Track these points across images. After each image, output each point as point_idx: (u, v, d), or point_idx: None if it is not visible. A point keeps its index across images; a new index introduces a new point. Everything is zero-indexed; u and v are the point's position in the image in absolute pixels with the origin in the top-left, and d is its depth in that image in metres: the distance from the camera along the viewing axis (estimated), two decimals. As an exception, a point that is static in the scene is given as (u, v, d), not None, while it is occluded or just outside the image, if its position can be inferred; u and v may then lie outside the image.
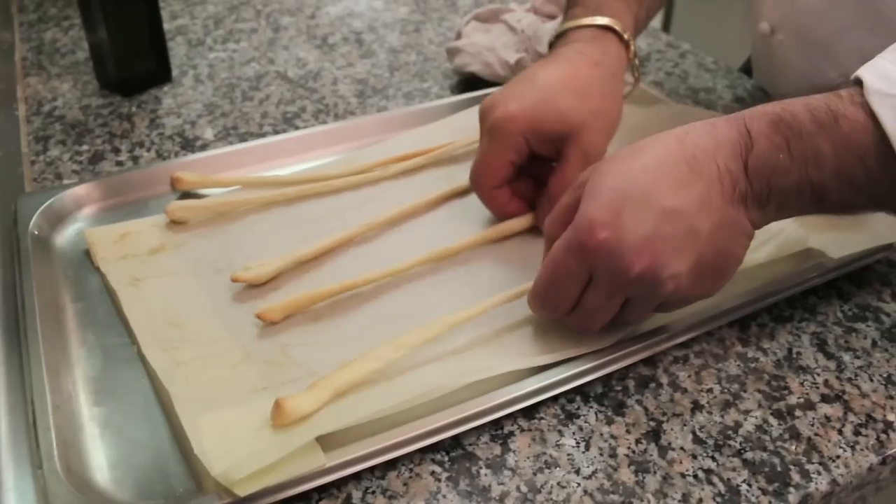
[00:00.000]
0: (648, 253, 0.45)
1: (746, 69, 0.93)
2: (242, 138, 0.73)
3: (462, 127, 0.70)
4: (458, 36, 0.83)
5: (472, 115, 0.69)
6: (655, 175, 0.46)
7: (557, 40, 0.64)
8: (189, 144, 0.72)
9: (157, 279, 0.56)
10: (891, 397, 0.51)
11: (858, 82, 0.46)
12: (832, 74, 0.73)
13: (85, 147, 0.72)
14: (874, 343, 0.55)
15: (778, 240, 0.58)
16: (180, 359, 0.49)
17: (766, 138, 0.46)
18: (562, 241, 0.47)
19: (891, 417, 0.49)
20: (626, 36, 0.63)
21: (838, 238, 0.59)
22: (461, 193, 0.65)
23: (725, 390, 0.50)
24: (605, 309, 0.48)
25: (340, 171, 0.65)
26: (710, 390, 0.50)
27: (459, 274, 0.58)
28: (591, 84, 0.59)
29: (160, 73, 0.83)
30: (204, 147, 0.72)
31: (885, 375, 0.52)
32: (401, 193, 0.64)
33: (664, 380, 0.51)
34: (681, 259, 0.45)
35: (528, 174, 0.61)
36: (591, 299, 0.48)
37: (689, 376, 0.51)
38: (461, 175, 0.64)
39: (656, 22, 2.89)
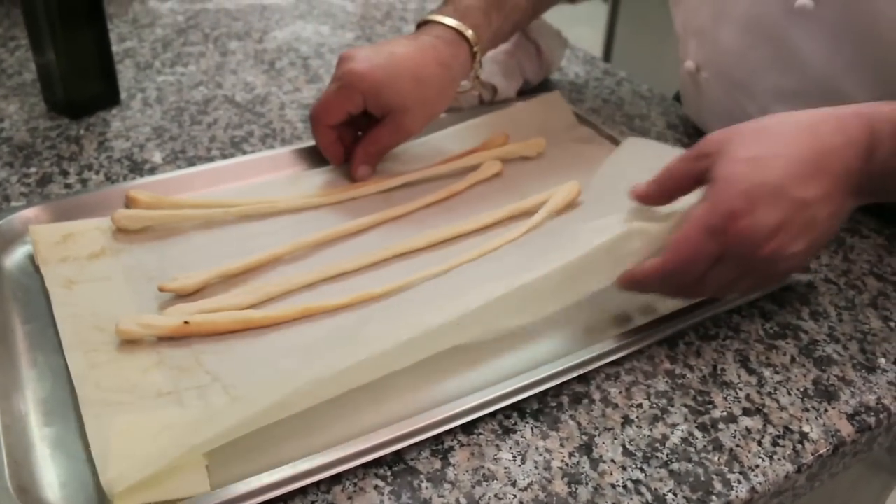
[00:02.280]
0: (778, 238, 0.51)
1: (679, 97, 0.97)
2: (191, 162, 0.75)
3: (413, 158, 0.74)
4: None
5: (420, 150, 0.75)
6: (788, 168, 0.52)
7: (424, 24, 0.74)
8: (138, 168, 0.74)
9: (92, 283, 0.58)
10: (807, 410, 0.54)
11: None
12: (752, 111, 0.77)
13: (33, 169, 0.72)
14: (793, 359, 0.58)
15: None
16: (96, 361, 0.51)
17: (889, 144, 0.54)
18: (700, 224, 0.52)
19: (806, 429, 0.53)
20: (475, 49, 0.73)
21: None
22: (396, 218, 0.68)
23: (654, 405, 0.53)
24: (723, 284, 0.55)
25: (288, 196, 0.67)
26: (639, 405, 0.53)
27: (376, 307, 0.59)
28: (433, 78, 0.70)
29: (108, 95, 0.84)
30: (152, 170, 0.73)
31: (801, 389, 0.56)
32: (337, 218, 0.67)
33: (597, 396, 0.53)
34: (800, 242, 0.52)
35: (354, 126, 0.72)
36: (715, 275, 0.54)
37: (620, 392, 0.54)
38: (396, 199, 0.69)
39: (597, 50, 2.97)
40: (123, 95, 0.86)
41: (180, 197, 0.67)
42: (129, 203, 0.65)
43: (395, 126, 0.70)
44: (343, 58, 0.69)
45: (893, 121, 0.54)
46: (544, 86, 0.91)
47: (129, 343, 0.53)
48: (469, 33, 0.72)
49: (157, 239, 0.63)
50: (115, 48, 0.95)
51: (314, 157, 0.74)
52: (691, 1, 0.80)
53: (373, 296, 0.58)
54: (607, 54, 2.98)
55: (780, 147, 0.53)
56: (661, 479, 0.48)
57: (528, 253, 0.61)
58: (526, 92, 0.87)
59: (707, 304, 0.60)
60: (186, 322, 0.53)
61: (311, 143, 0.74)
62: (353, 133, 0.72)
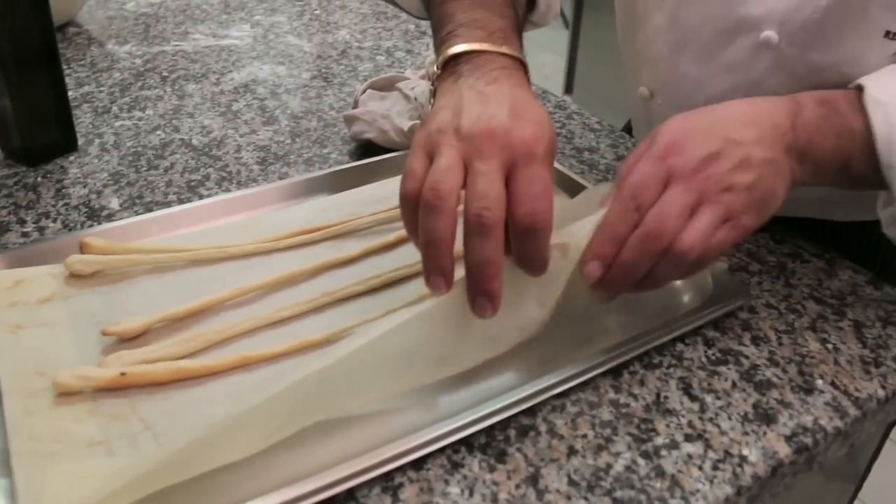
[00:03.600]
0: (716, 164, 0.56)
1: (628, 128, 1.00)
2: (148, 207, 0.76)
3: (357, 202, 0.75)
4: (356, 104, 0.87)
5: (362, 193, 0.76)
6: (721, 116, 0.60)
7: (463, 57, 0.60)
8: (95, 214, 0.75)
9: (38, 328, 0.59)
10: (746, 433, 0.56)
11: (860, 88, 0.61)
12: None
13: (-10, 219, 0.73)
14: (734, 384, 0.60)
15: None
16: (33, 408, 0.52)
17: (812, 109, 0.61)
18: (642, 161, 0.57)
19: (746, 452, 0.55)
20: (528, 74, 0.62)
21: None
22: (344, 263, 0.68)
23: (598, 435, 0.55)
24: (680, 214, 0.55)
25: (239, 242, 0.68)
26: (584, 436, 0.55)
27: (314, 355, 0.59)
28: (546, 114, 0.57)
29: (66, 142, 0.85)
30: (110, 217, 0.75)
31: (742, 414, 0.58)
32: (285, 263, 0.67)
33: (543, 428, 0.55)
34: (738, 174, 0.57)
35: None
36: (669, 198, 0.55)
37: (565, 424, 0.56)
38: (347, 246, 0.69)
39: (560, 76, 3.01)
40: (81, 141, 0.87)
41: (134, 243, 0.68)
42: (84, 249, 0.66)
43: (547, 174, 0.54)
44: (494, 132, 0.52)
45: (815, 94, 0.62)
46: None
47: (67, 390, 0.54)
48: (520, 56, 0.61)
49: (106, 284, 0.64)
50: (72, 93, 0.97)
51: (268, 199, 0.75)
52: (647, 30, 0.81)
53: (311, 343, 0.59)
54: (569, 80, 3.03)
55: (714, 109, 0.61)
56: (605, 507, 0.50)
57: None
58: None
59: (652, 332, 0.62)
60: (123, 374, 0.54)
61: (266, 185, 0.76)
62: None
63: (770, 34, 0.70)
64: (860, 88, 0.61)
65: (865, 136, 0.59)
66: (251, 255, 0.68)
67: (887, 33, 0.66)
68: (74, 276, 0.64)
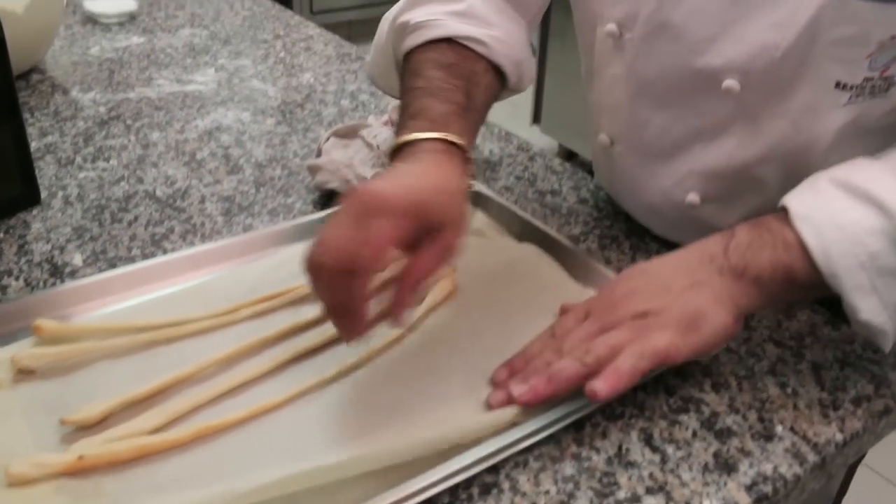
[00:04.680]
0: (629, 299, 0.63)
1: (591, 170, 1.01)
2: (111, 263, 0.76)
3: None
4: (319, 152, 0.88)
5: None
6: (650, 264, 0.67)
7: (404, 148, 0.65)
8: (58, 271, 0.75)
9: None
10: (707, 484, 0.57)
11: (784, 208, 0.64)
12: (666, 184, 0.81)
13: (-49, 279, 0.73)
14: (694, 433, 0.61)
15: None
16: None
17: (744, 231, 0.65)
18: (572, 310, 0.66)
19: (706, 503, 0.55)
20: (469, 155, 0.67)
21: None
22: (301, 329, 0.68)
23: (561, 490, 0.56)
24: (584, 338, 0.62)
25: (196, 316, 0.67)
26: (547, 492, 0.55)
27: (281, 425, 0.59)
28: (458, 189, 0.62)
29: (28, 196, 0.85)
30: (73, 273, 0.74)
31: (702, 464, 0.58)
32: (244, 333, 0.66)
33: (506, 485, 0.56)
34: (652, 303, 0.62)
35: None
36: (581, 326, 0.63)
37: (528, 479, 0.56)
38: (304, 311, 0.69)
39: (527, 106, 3.04)
40: (44, 194, 0.87)
41: (88, 323, 0.66)
42: (34, 332, 0.64)
43: (443, 246, 0.59)
44: (355, 195, 0.55)
45: (747, 222, 0.66)
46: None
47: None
48: (461, 142, 0.66)
49: (59, 368, 0.62)
50: (35, 143, 0.97)
51: (231, 253, 0.75)
52: (604, 80, 0.82)
53: (271, 406, 0.59)
54: (537, 109, 3.06)
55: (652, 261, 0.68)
56: (567, 566, 0.51)
57: (408, 363, 0.65)
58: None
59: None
60: (81, 457, 0.53)
61: (230, 238, 0.77)
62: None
63: (732, 83, 0.71)
64: (784, 208, 0.64)
65: (800, 246, 0.62)
66: (207, 330, 0.67)
67: (837, 84, 0.68)
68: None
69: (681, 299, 0.62)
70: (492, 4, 0.79)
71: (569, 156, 3.04)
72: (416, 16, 0.76)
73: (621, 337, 0.61)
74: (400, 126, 0.69)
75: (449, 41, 0.75)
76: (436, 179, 0.61)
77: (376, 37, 0.84)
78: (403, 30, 0.77)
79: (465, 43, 0.75)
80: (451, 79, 0.71)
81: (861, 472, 0.86)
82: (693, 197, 0.80)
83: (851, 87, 0.67)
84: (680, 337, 0.60)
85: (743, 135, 0.74)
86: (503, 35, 0.77)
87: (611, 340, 0.61)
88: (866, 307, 0.62)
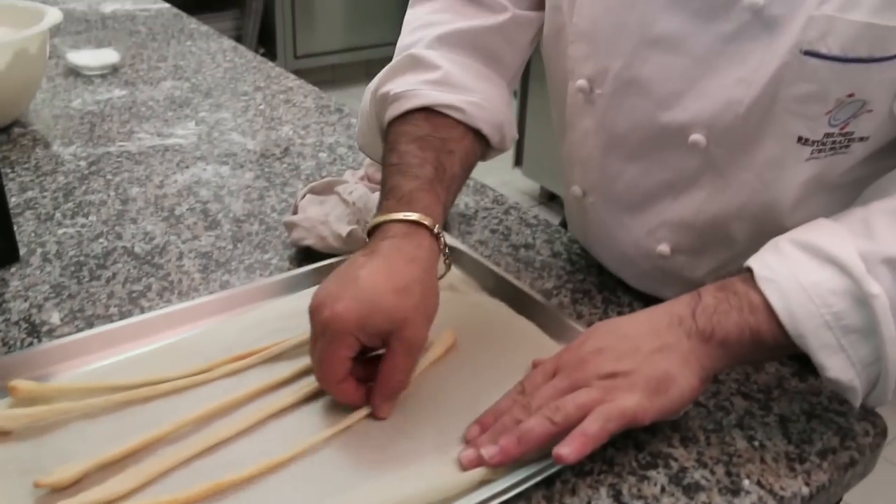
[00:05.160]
0: (597, 356, 0.65)
1: (565, 223, 1.03)
2: (89, 321, 0.77)
3: (282, 316, 0.76)
4: (295, 209, 0.89)
5: (287, 305, 0.77)
6: (619, 322, 0.69)
7: (375, 231, 0.70)
8: (35, 330, 0.75)
9: None
10: (675, 541, 0.58)
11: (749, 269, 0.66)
12: (639, 232, 0.83)
13: (-71, 339, 0.74)
14: (663, 489, 0.62)
15: None
16: None
17: (711, 294, 0.66)
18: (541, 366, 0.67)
19: (674, 561, 0.56)
20: (436, 230, 0.69)
21: None
22: (275, 387, 0.69)
23: (530, 549, 0.56)
24: (551, 396, 0.63)
25: (171, 375, 0.68)
26: (516, 550, 0.56)
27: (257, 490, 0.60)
28: (411, 281, 0.66)
29: (7, 254, 0.86)
30: (50, 332, 0.75)
31: (670, 520, 0.59)
32: (219, 391, 0.67)
33: (476, 544, 0.56)
34: (621, 364, 0.63)
35: (362, 359, 0.67)
36: (549, 383, 0.65)
37: (498, 538, 0.57)
38: (278, 369, 0.70)
39: (508, 153, 3.07)
40: (23, 251, 0.88)
41: (64, 383, 0.67)
42: (10, 393, 0.64)
43: (401, 344, 0.65)
44: (314, 308, 0.65)
45: (714, 284, 0.67)
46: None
47: None
48: (425, 220, 0.69)
49: (34, 429, 0.63)
50: (15, 199, 0.98)
51: (208, 311, 0.77)
52: (576, 133, 0.84)
53: (249, 475, 0.60)
54: (519, 151, 3.09)
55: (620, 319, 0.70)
56: None
57: (380, 423, 0.67)
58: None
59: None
60: None
61: (206, 297, 0.78)
62: (368, 366, 0.67)
63: (698, 137, 0.73)
64: (749, 270, 0.65)
65: (766, 308, 0.63)
66: (183, 389, 0.67)
67: (799, 139, 0.70)
68: None
69: (649, 362, 0.63)
70: (470, 70, 0.81)
71: (550, 197, 3.07)
72: (395, 86, 0.78)
73: (590, 396, 0.62)
74: (378, 204, 0.74)
75: (427, 110, 0.77)
76: (384, 282, 0.65)
77: (361, 106, 0.86)
78: (384, 101, 0.79)
79: (442, 111, 0.77)
80: (421, 152, 0.74)
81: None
82: (664, 248, 0.82)
83: (813, 143, 0.70)
84: (647, 399, 0.62)
85: (711, 188, 0.76)
86: (481, 100, 0.79)
87: (579, 399, 0.62)
88: (834, 365, 0.62)
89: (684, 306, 0.66)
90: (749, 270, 0.66)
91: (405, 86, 0.78)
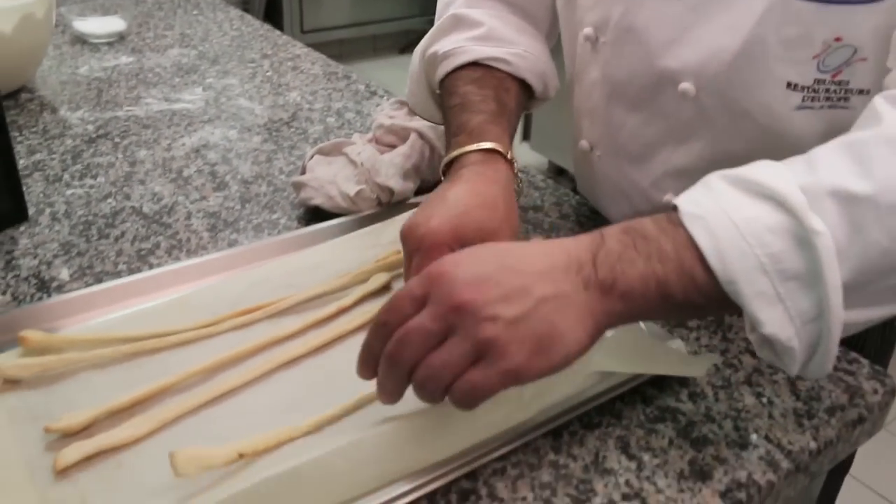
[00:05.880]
0: (476, 290, 0.52)
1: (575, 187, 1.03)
2: (98, 278, 0.77)
3: (291, 272, 0.76)
4: (303, 170, 0.89)
5: (307, 262, 0.77)
6: (511, 248, 0.56)
7: (452, 165, 0.72)
8: (45, 286, 0.76)
9: None
10: (682, 490, 0.58)
11: (674, 207, 0.56)
12: (644, 186, 0.83)
13: (-61, 294, 0.74)
14: (671, 441, 0.62)
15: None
16: None
17: (616, 238, 0.55)
18: (407, 285, 0.54)
19: (681, 510, 0.56)
20: (509, 156, 0.72)
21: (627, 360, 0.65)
22: (282, 340, 0.69)
23: (538, 497, 0.57)
24: (421, 343, 0.52)
25: (179, 328, 0.68)
26: (524, 498, 0.56)
27: None
28: (495, 198, 0.67)
29: (16, 213, 0.86)
30: (60, 288, 0.75)
31: (678, 471, 0.59)
32: (226, 344, 0.67)
33: (483, 491, 0.57)
34: (505, 306, 0.51)
35: None
36: (414, 322, 0.52)
37: (505, 486, 0.57)
38: (286, 322, 0.70)
39: (517, 131, 3.06)
40: (32, 210, 0.88)
41: (73, 334, 0.67)
42: (21, 343, 0.64)
43: None
44: (408, 228, 0.64)
45: (621, 224, 0.56)
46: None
47: (11, 488, 0.54)
48: (499, 147, 0.71)
49: (44, 378, 0.63)
50: (24, 161, 0.98)
51: (216, 268, 0.77)
52: (584, 83, 0.86)
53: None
54: (527, 126, 3.08)
55: (511, 243, 0.58)
56: (544, 571, 0.51)
57: None
58: (424, 190, 0.91)
59: (591, 392, 0.64)
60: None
61: (214, 254, 0.78)
62: None
63: (687, 86, 0.74)
64: (674, 208, 0.56)
65: (676, 256, 0.54)
66: (190, 341, 0.68)
67: (788, 84, 0.70)
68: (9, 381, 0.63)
69: (538, 311, 0.52)
70: (511, 24, 0.85)
71: (558, 172, 3.06)
72: (443, 46, 0.82)
73: (461, 353, 0.52)
74: (447, 143, 0.76)
75: (475, 65, 0.80)
76: (472, 198, 0.66)
77: (410, 68, 0.90)
78: (434, 60, 0.83)
79: (490, 63, 0.80)
80: (481, 90, 0.78)
81: (850, 483, 0.87)
82: (670, 198, 0.81)
83: (803, 88, 0.70)
84: (529, 359, 0.52)
85: (709, 137, 0.77)
86: (524, 51, 0.82)
87: (447, 360, 0.52)
88: (771, 318, 0.53)
89: (585, 250, 0.55)
90: (673, 208, 0.56)
91: (453, 44, 0.81)
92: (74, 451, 0.55)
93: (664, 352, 0.68)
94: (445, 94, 0.80)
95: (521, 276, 0.53)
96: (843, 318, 0.52)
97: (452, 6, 0.86)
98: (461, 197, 0.66)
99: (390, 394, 0.55)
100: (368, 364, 0.56)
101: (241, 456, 0.55)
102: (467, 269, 0.53)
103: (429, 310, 0.52)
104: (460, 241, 0.63)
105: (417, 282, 0.54)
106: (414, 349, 0.52)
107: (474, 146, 0.72)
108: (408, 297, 0.54)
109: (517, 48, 0.82)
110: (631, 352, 0.65)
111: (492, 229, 0.65)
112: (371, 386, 0.55)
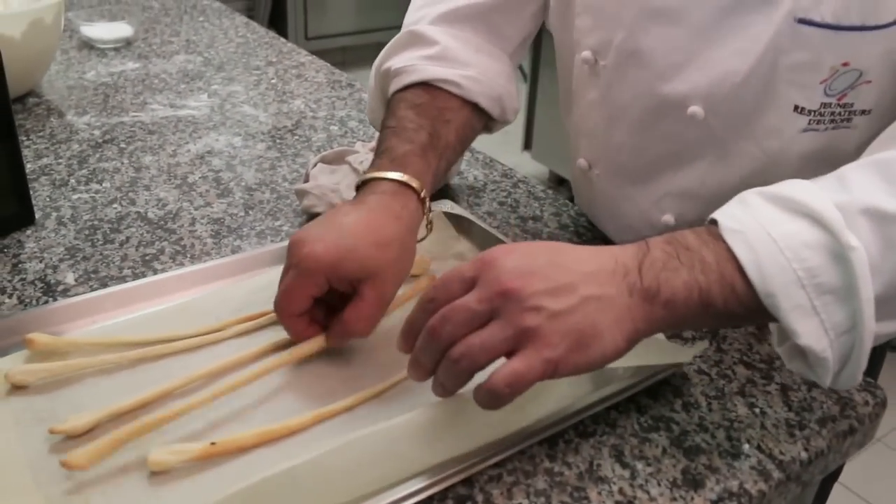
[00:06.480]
0: (525, 279, 0.54)
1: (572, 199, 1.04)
2: (103, 282, 0.78)
3: None
4: (307, 178, 0.90)
5: None
6: (562, 247, 0.58)
7: (364, 186, 0.72)
8: (51, 290, 0.77)
9: None
10: (674, 499, 0.59)
11: (714, 222, 0.58)
12: (644, 206, 0.84)
13: (-54, 296, 0.75)
14: (664, 450, 0.63)
15: None
16: None
17: (660, 248, 0.57)
18: (458, 267, 0.56)
19: (673, 518, 0.58)
20: (423, 194, 0.72)
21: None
22: (284, 346, 0.69)
23: (533, 503, 0.58)
24: (463, 321, 0.55)
25: (183, 333, 0.69)
26: (519, 505, 0.58)
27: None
28: (392, 237, 0.68)
29: (23, 216, 0.87)
30: (65, 292, 0.77)
31: (671, 480, 0.61)
32: (229, 350, 0.69)
33: (479, 498, 0.58)
34: (550, 299, 0.54)
35: (323, 301, 0.68)
36: (460, 302, 0.55)
37: (501, 493, 0.58)
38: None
39: (519, 129, 3.08)
40: (38, 214, 0.89)
41: (79, 337, 0.68)
42: (26, 345, 0.65)
43: (371, 293, 0.66)
44: (294, 243, 0.67)
45: (664, 235, 0.59)
46: (443, 191, 0.97)
47: (15, 491, 0.55)
48: (414, 183, 0.71)
49: (50, 383, 0.64)
50: (31, 165, 0.99)
51: (220, 273, 0.78)
52: (581, 105, 0.86)
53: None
54: (528, 135, 3.10)
55: (561, 244, 0.59)
56: (537, 576, 0.53)
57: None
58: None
59: (586, 401, 0.65)
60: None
61: (218, 260, 0.79)
62: (325, 309, 0.69)
63: (696, 109, 0.75)
64: (714, 222, 0.58)
65: (718, 268, 0.56)
66: (194, 347, 0.69)
67: (795, 108, 0.71)
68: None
69: (583, 308, 0.54)
70: (469, 44, 0.84)
71: (559, 181, 3.08)
72: (395, 63, 0.82)
73: (503, 337, 0.54)
74: (371, 162, 0.75)
75: (426, 84, 0.79)
76: (366, 234, 0.67)
77: (369, 83, 0.90)
78: (387, 76, 0.83)
79: (439, 85, 0.79)
80: (418, 118, 0.77)
81: (840, 492, 0.88)
82: (668, 218, 0.83)
83: (810, 112, 0.71)
84: (568, 353, 0.54)
85: (713, 158, 0.77)
86: (478, 73, 0.81)
87: (487, 342, 0.54)
88: (807, 330, 0.54)
89: (631, 257, 0.57)
90: (712, 223, 0.59)
91: (404, 62, 0.81)
92: (84, 455, 0.56)
93: (653, 342, 0.69)
94: (387, 112, 0.80)
95: (569, 273, 0.56)
96: (874, 329, 0.54)
97: (417, 23, 0.85)
98: (356, 230, 0.67)
99: (423, 368, 0.57)
100: (409, 337, 0.59)
101: (212, 444, 0.57)
102: (518, 259, 0.56)
103: (476, 292, 0.55)
104: (337, 273, 0.65)
105: (469, 265, 0.57)
106: (456, 326, 0.55)
107: (390, 175, 0.71)
108: (457, 277, 0.57)
109: (470, 70, 0.81)
110: None
111: (374, 268, 0.66)
112: (370, 388, 0.57)
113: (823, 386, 0.57)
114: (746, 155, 0.75)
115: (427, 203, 0.73)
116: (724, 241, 0.56)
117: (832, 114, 0.71)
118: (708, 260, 0.56)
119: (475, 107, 0.81)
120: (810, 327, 0.54)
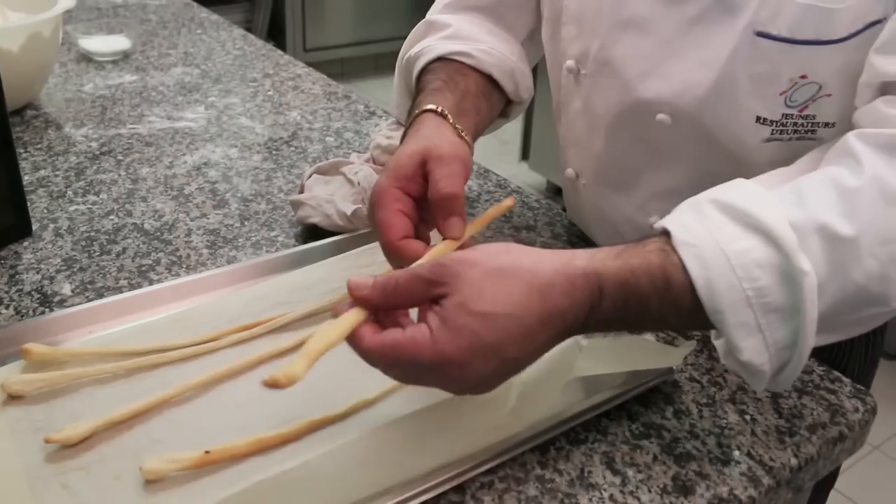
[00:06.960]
0: (479, 387, 0.56)
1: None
2: (99, 293, 0.79)
3: (289, 289, 0.78)
4: (302, 189, 0.91)
5: (294, 278, 0.79)
6: (511, 330, 0.53)
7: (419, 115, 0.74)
8: (47, 301, 0.78)
9: None
10: (665, 506, 0.60)
11: (665, 232, 0.58)
12: (629, 211, 0.85)
13: (-56, 307, 0.76)
14: (655, 457, 0.64)
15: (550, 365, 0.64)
16: None
17: (612, 301, 0.56)
18: (419, 349, 0.53)
19: (663, 524, 0.58)
20: (440, 110, 0.74)
21: (608, 360, 0.68)
22: (280, 355, 0.70)
23: (524, 510, 0.58)
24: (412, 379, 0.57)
25: (179, 343, 0.70)
26: (510, 511, 0.58)
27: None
28: (436, 134, 0.71)
29: (20, 228, 0.88)
30: (62, 303, 0.77)
31: (661, 486, 0.61)
32: (226, 359, 0.69)
33: (471, 505, 0.58)
34: (498, 381, 0.56)
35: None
36: (412, 359, 0.53)
37: (492, 500, 0.59)
38: (283, 339, 0.72)
39: (517, 138, 3.09)
40: (36, 226, 0.90)
41: (75, 347, 0.69)
42: (23, 355, 0.66)
43: (437, 162, 0.67)
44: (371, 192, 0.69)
45: (617, 282, 0.56)
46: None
47: (12, 500, 0.55)
48: (429, 106, 0.74)
49: (46, 393, 0.65)
50: (28, 177, 1.00)
51: (215, 284, 0.78)
52: (569, 114, 0.88)
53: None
54: (525, 145, 3.11)
55: (510, 307, 0.53)
56: (528, 581, 0.53)
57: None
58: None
59: (578, 408, 0.65)
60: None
61: (214, 270, 0.80)
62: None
63: (663, 116, 0.77)
64: (665, 232, 0.59)
65: (679, 275, 0.56)
66: (190, 357, 0.69)
67: (758, 118, 0.73)
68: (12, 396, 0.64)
69: (507, 377, 0.56)
70: (483, 26, 0.88)
71: (556, 191, 3.08)
72: (413, 50, 0.86)
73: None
74: (418, 100, 0.78)
75: (441, 60, 0.83)
76: (417, 137, 0.70)
77: (394, 80, 0.94)
78: (408, 65, 0.86)
79: (454, 58, 0.82)
80: (435, 76, 0.80)
81: (837, 500, 0.89)
82: (655, 220, 0.83)
83: (772, 122, 0.72)
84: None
85: (689, 159, 0.79)
86: (489, 48, 0.84)
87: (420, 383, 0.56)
88: (749, 346, 0.56)
89: (576, 317, 0.56)
90: (664, 233, 0.59)
91: (421, 46, 0.85)
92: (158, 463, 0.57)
93: (642, 346, 0.71)
94: (416, 91, 0.82)
95: (517, 363, 0.55)
96: (812, 345, 0.56)
97: (432, 13, 0.90)
98: (404, 148, 0.69)
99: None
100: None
101: (207, 452, 0.58)
102: (471, 374, 0.54)
103: (439, 311, 0.54)
104: (398, 172, 0.67)
105: (421, 369, 0.54)
106: (399, 371, 0.56)
107: (434, 106, 0.74)
108: (423, 282, 0.55)
109: (482, 45, 0.84)
110: (611, 353, 0.68)
111: (427, 146, 0.68)
112: (363, 397, 0.57)
113: (755, 389, 0.60)
114: (719, 159, 0.77)
115: (450, 118, 0.74)
116: (676, 254, 0.56)
117: (795, 125, 0.72)
118: (652, 308, 0.57)
119: (489, 78, 0.84)
120: (753, 344, 0.56)
